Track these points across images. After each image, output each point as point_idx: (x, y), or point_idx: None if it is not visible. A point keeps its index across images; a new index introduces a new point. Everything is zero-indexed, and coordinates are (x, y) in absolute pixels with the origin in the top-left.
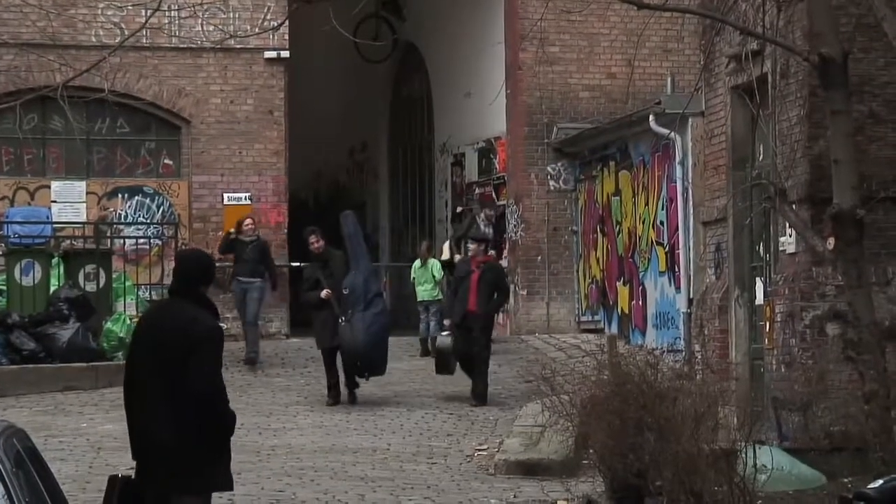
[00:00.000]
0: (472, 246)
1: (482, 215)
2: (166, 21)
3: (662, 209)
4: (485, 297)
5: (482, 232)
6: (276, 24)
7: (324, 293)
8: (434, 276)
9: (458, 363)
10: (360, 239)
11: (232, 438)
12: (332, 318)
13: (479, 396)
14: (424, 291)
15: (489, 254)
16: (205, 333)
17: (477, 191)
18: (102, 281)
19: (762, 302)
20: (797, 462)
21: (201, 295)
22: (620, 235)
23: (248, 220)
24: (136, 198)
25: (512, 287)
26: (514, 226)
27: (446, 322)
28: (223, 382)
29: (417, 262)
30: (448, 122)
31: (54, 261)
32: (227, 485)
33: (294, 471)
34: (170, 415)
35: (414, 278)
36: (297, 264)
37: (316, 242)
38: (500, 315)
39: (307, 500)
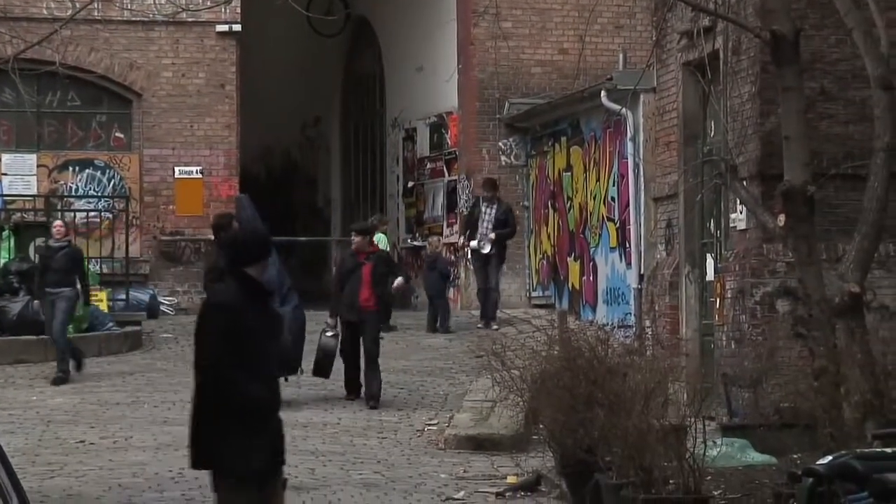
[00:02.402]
0: (356, 239)
1: (491, 204)
2: None
3: (613, 185)
4: (379, 290)
5: (364, 223)
6: None
7: None
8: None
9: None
10: (260, 224)
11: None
12: None
13: (374, 396)
14: None
15: (375, 244)
16: (202, 308)
17: (428, 165)
18: None
19: (713, 278)
20: (749, 449)
21: (244, 274)
22: (571, 211)
23: (58, 224)
24: (87, 171)
25: (463, 263)
26: (466, 201)
27: (330, 321)
28: (216, 357)
29: (379, 236)
30: (400, 97)
31: (5, 234)
32: (237, 468)
33: None
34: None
35: None
36: None
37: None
38: (451, 290)
39: None
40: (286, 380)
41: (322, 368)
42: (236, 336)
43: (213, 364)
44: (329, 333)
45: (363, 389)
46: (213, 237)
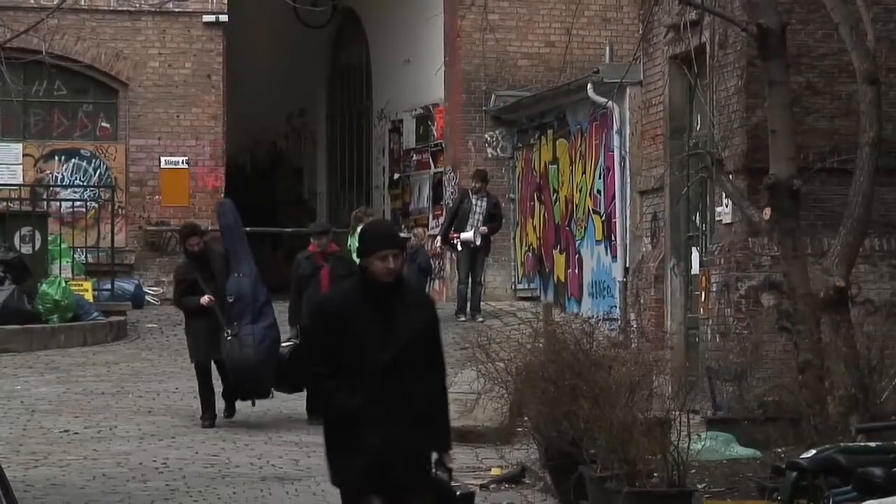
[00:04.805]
0: (315, 241)
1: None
2: None
3: (599, 178)
4: None
5: (323, 223)
6: None
7: (204, 299)
8: None
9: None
10: (241, 233)
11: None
12: (209, 327)
13: None
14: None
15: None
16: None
17: (414, 157)
18: (38, 243)
19: (698, 272)
20: (734, 442)
21: (364, 270)
22: (557, 204)
23: None
24: (73, 161)
25: (448, 254)
26: (451, 193)
27: (291, 332)
28: (310, 357)
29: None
30: (386, 88)
31: None
32: (334, 480)
33: (228, 436)
34: None
35: (350, 245)
36: None
37: (197, 245)
38: (434, 282)
39: (241, 465)
40: (253, 404)
41: (285, 381)
42: (336, 342)
43: (301, 369)
44: (285, 344)
45: None
46: (182, 247)
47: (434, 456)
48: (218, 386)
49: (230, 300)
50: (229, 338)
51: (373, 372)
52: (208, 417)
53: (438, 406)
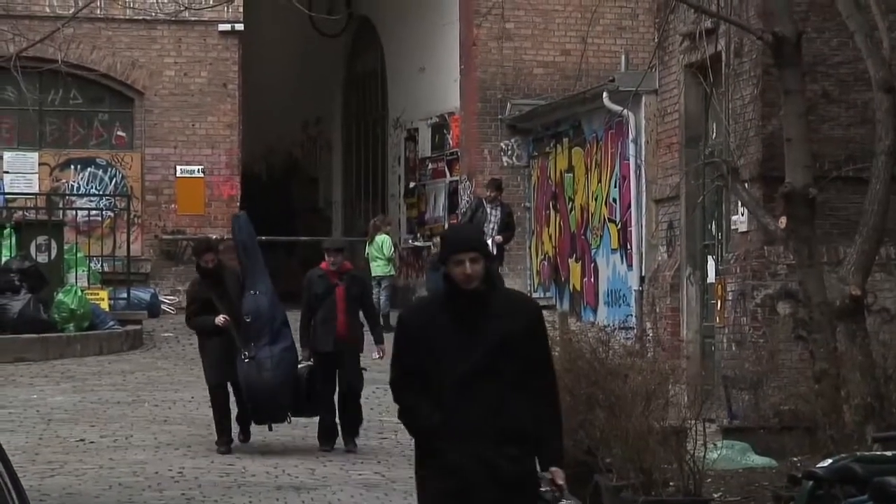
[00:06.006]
0: (329, 259)
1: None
2: None
3: (615, 186)
4: (355, 315)
5: (339, 239)
6: None
7: (219, 319)
8: (384, 253)
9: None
10: (257, 249)
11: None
12: (224, 347)
13: (353, 438)
14: (377, 267)
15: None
16: None
17: (430, 166)
18: (54, 252)
19: (714, 280)
20: (749, 451)
21: (446, 274)
22: (573, 212)
23: None
24: (89, 169)
25: None
26: (467, 202)
27: (303, 354)
28: (396, 371)
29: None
30: (402, 97)
31: (6, 231)
32: (419, 499)
33: (244, 445)
34: None
35: (367, 254)
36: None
37: (212, 261)
38: None
39: (257, 474)
40: (270, 428)
41: (300, 406)
42: (417, 354)
43: (391, 385)
44: (301, 365)
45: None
46: (195, 263)
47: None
48: (233, 407)
49: (247, 319)
50: (246, 360)
51: (453, 386)
52: (224, 443)
53: (542, 420)
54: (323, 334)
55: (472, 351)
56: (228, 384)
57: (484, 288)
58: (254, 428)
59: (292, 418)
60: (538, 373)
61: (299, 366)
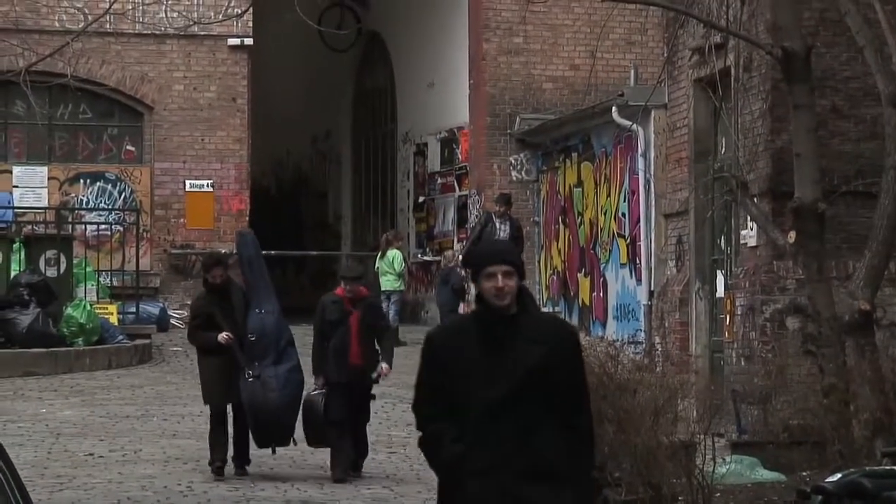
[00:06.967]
0: (346, 286)
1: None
2: (130, 7)
3: (624, 201)
4: (369, 344)
5: (358, 267)
6: (239, 12)
7: (222, 336)
8: (395, 268)
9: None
10: (263, 266)
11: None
12: (224, 366)
13: (358, 464)
14: (387, 282)
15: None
16: None
17: (439, 180)
18: (63, 266)
19: (723, 295)
20: (758, 466)
21: (478, 293)
22: (582, 227)
23: None
24: (98, 184)
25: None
26: (476, 216)
27: (316, 383)
28: (419, 395)
29: (393, 252)
30: (411, 111)
31: (15, 246)
32: None
33: (253, 459)
34: None
35: (377, 269)
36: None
37: (221, 276)
38: (462, 306)
39: (266, 489)
40: (274, 451)
41: (319, 436)
42: (444, 378)
43: (414, 410)
44: (314, 392)
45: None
46: (203, 278)
47: None
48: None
49: (251, 338)
50: (250, 379)
51: (480, 415)
52: (218, 470)
53: (572, 457)
54: (336, 366)
55: (500, 378)
56: (228, 407)
57: (516, 310)
58: (258, 455)
59: (296, 441)
60: (572, 406)
61: (313, 392)
